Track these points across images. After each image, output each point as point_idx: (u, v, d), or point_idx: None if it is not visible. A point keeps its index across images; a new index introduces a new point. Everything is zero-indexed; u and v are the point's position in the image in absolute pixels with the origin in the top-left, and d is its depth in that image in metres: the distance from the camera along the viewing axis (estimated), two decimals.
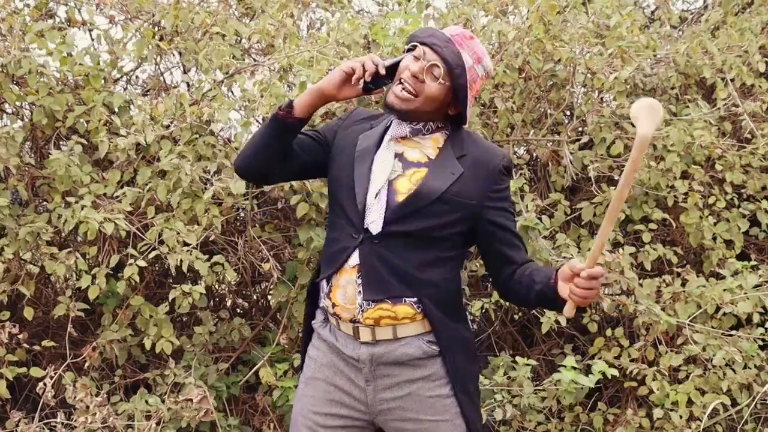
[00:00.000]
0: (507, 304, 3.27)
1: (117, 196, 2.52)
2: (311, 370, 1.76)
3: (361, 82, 1.65)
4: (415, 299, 1.65)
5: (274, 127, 1.70)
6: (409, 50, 1.68)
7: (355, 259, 1.64)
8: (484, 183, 1.68)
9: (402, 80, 1.64)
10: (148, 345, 2.57)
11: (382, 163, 1.67)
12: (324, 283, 1.72)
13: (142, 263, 2.45)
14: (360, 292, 1.64)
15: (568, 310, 1.54)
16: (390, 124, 1.74)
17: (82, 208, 2.39)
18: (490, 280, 1.91)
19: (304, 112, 1.69)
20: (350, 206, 1.66)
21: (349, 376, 1.71)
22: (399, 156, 1.69)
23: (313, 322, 1.80)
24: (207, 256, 2.51)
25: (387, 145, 1.69)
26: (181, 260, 2.43)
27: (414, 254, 1.64)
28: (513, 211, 1.76)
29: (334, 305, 1.69)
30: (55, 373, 2.56)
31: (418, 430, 1.70)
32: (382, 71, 1.63)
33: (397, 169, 1.67)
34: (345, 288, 1.66)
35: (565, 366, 2.59)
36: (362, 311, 1.65)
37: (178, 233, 2.44)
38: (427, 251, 1.66)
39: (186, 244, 2.47)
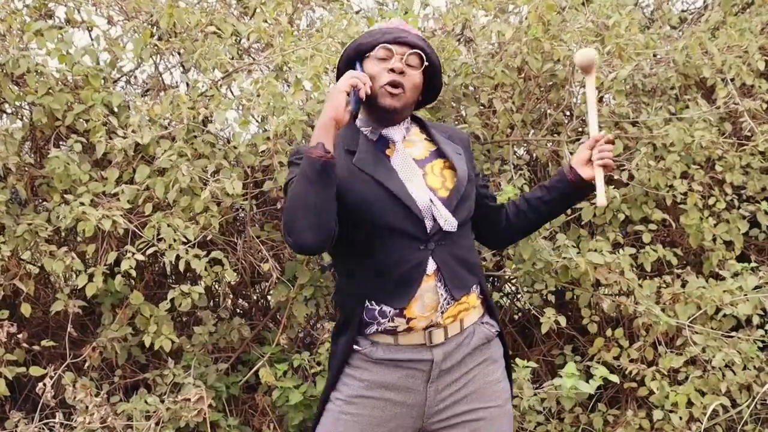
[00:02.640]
0: (506, 304, 3.27)
1: (115, 194, 2.52)
2: (354, 389, 1.69)
3: (352, 103, 1.61)
4: (476, 284, 1.72)
5: (323, 174, 1.54)
6: (359, 60, 1.70)
7: (431, 266, 1.63)
8: (468, 155, 1.80)
9: (387, 83, 1.65)
10: (147, 341, 2.57)
11: (406, 170, 1.67)
12: (384, 307, 1.65)
13: (140, 257, 2.44)
14: (442, 294, 1.64)
15: (601, 196, 1.73)
16: (370, 138, 1.72)
17: (80, 205, 2.39)
18: (489, 238, 1.94)
19: (332, 147, 1.58)
20: (406, 222, 1.62)
21: (405, 384, 1.67)
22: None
23: (356, 347, 1.69)
24: (205, 253, 2.51)
25: (402, 151, 1.69)
26: (179, 257, 2.42)
27: (467, 241, 1.72)
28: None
29: (408, 320, 1.64)
30: (54, 373, 2.56)
31: (472, 421, 1.69)
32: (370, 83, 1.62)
33: (418, 171, 1.69)
34: (423, 298, 1.63)
35: (565, 370, 2.58)
36: (442, 312, 1.65)
37: (176, 230, 2.44)
38: (470, 235, 1.76)
39: (185, 242, 2.46)
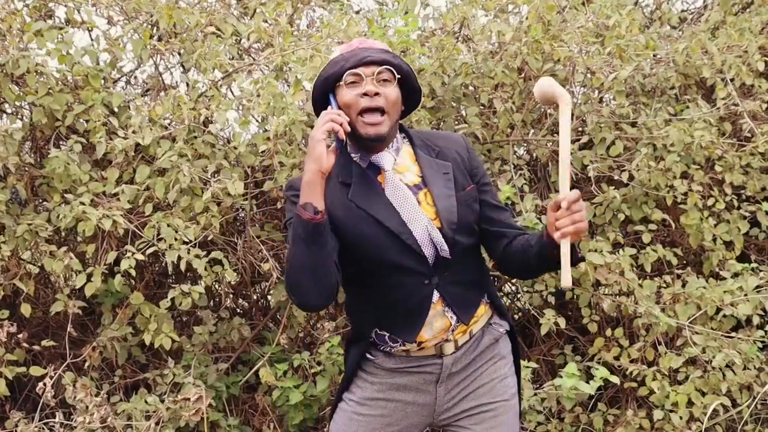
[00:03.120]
0: (506, 304, 3.27)
1: (115, 194, 2.52)
2: (366, 392, 1.72)
3: (334, 141, 1.56)
4: (485, 296, 1.73)
5: (315, 234, 1.52)
6: (332, 92, 1.63)
7: (436, 296, 1.63)
8: (465, 165, 1.70)
9: (363, 109, 1.58)
10: (147, 340, 2.57)
11: (401, 201, 1.62)
12: (393, 335, 1.67)
13: (140, 257, 2.44)
14: (452, 317, 1.65)
15: (566, 274, 1.41)
16: (360, 165, 1.66)
17: (80, 205, 2.39)
18: (489, 256, 1.83)
19: (322, 204, 1.55)
20: (407, 258, 1.60)
21: (415, 386, 1.71)
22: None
23: (369, 356, 1.73)
24: (205, 253, 2.51)
25: (392, 181, 1.63)
26: (180, 257, 2.42)
27: (474, 259, 1.71)
28: (491, 183, 1.78)
29: (420, 343, 1.66)
30: (54, 373, 2.56)
31: (481, 418, 1.71)
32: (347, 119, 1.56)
33: (412, 199, 1.64)
34: (432, 324, 1.64)
35: (565, 370, 2.58)
36: (453, 331, 1.67)
37: (176, 230, 2.44)
38: (477, 254, 1.74)
39: (185, 242, 2.46)
